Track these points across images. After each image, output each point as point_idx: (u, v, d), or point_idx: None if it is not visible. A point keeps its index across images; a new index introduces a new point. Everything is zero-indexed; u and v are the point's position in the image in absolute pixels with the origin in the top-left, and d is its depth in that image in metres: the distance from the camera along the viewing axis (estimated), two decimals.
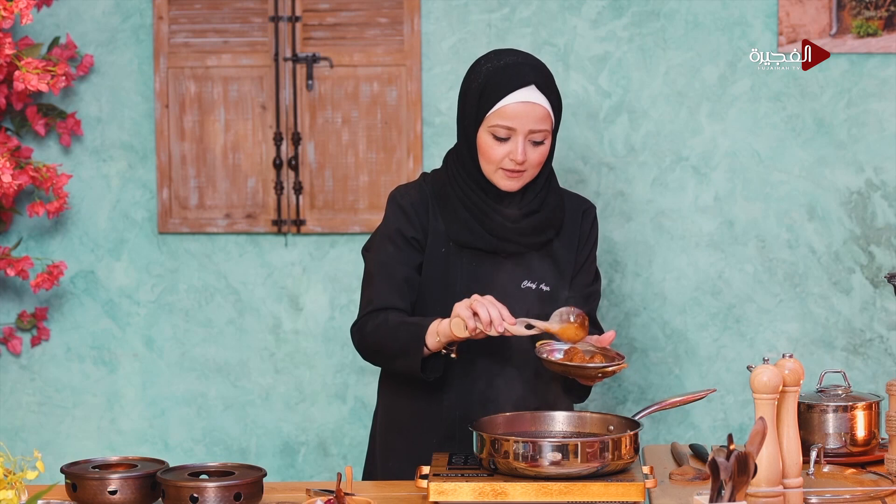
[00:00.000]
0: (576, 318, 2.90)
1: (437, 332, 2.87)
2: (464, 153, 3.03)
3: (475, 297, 2.84)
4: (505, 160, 2.97)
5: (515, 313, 2.90)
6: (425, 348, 2.89)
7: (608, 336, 2.94)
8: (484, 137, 2.98)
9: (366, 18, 3.98)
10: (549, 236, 3.06)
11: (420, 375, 2.91)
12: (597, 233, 3.16)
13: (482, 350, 2.99)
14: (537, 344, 2.92)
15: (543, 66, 3.02)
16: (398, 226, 3.03)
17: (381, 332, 2.95)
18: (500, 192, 3.02)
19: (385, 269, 3.01)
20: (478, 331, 2.82)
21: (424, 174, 3.13)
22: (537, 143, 2.98)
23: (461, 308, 2.82)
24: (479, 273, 3.03)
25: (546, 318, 2.93)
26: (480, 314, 2.80)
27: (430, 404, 3.03)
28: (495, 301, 2.83)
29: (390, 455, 3.11)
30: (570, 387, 3.07)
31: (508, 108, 2.95)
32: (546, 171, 3.05)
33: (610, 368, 2.85)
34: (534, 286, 3.04)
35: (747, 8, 3.95)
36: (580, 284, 3.11)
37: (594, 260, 3.15)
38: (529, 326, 2.87)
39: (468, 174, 3.02)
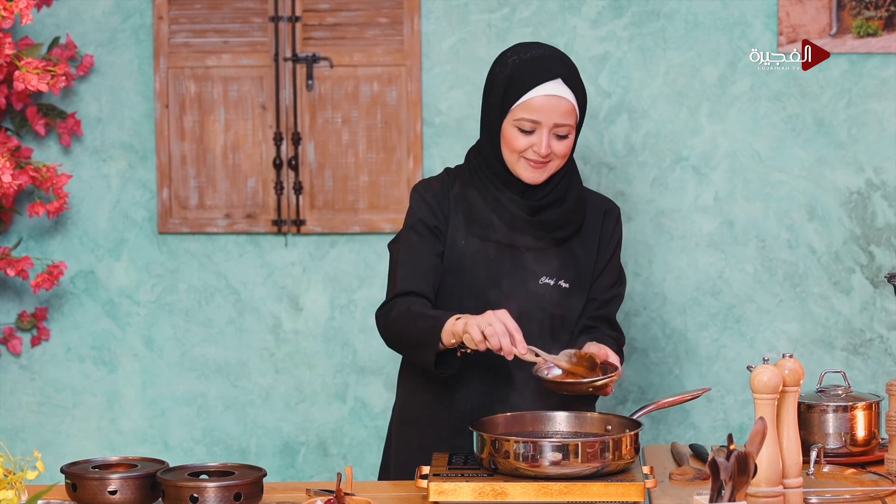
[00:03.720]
0: (586, 362, 2.88)
1: (453, 332, 2.82)
2: (486, 147, 3.03)
3: (489, 317, 2.77)
4: (528, 151, 2.97)
5: (534, 308, 2.94)
6: (440, 343, 2.85)
7: (608, 353, 2.91)
8: (508, 129, 2.98)
9: (366, 18, 3.98)
10: (567, 232, 3.05)
11: (433, 370, 2.89)
12: (620, 234, 3.14)
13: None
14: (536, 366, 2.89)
15: (569, 59, 3.01)
16: (421, 216, 3.04)
17: (402, 321, 2.93)
18: (521, 185, 3.01)
19: (409, 257, 3.02)
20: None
21: (448, 168, 3.14)
22: (561, 137, 2.98)
23: (473, 329, 2.76)
24: (498, 266, 3.03)
25: (562, 321, 3.00)
26: (491, 343, 2.75)
27: (443, 397, 3.03)
28: (509, 322, 2.77)
29: (404, 448, 3.12)
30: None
31: (534, 101, 2.95)
32: (567, 166, 3.05)
33: (599, 382, 2.83)
34: (552, 282, 3.04)
35: (747, 8, 3.95)
36: (602, 287, 3.11)
37: (618, 261, 3.14)
38: (538, 354, 2.84)
39: (489, 167, 3.02)
